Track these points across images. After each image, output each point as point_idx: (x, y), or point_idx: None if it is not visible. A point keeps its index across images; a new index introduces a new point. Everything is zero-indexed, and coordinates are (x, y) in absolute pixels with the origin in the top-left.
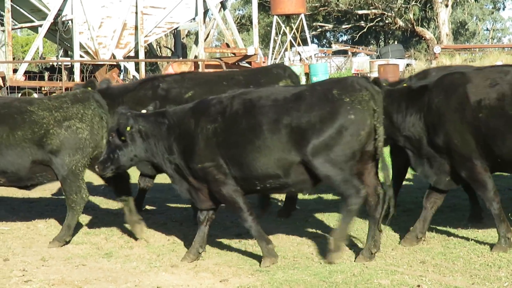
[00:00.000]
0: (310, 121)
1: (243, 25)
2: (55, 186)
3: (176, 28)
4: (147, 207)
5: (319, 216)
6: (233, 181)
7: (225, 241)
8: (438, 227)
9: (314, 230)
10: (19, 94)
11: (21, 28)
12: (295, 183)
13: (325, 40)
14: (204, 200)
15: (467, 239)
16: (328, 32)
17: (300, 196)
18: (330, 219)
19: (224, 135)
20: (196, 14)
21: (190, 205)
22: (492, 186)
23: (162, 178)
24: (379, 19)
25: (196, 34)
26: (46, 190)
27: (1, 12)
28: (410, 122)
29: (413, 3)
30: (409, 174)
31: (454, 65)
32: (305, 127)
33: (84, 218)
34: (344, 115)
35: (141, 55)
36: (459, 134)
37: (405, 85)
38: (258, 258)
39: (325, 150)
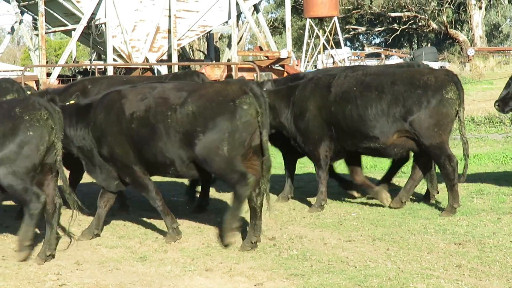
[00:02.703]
0: None
1: (276, 28)
2: (88, 189)
3: (209, 32)
4: (180, 211)
5: (353, 220)
6: None
7: (260, 245)
8: (474, 231)
9: (348, 234)
10: None
11: (55, 32)
12: None
13: (358, 43)
14: None
15: (503, 242)
16: (361, 35)
17: (334, 201)
18: (365, 223)
19: None
20: (229, 17)
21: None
22: (153, 186)
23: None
24: (412, 21)
25: (229, 37)
26: (79, 194)
27: (35, 16)
28: (81, 135)
29: (447, 5)
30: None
31: (106, 76)
32: None
33: (118, 222)
34: (24, 131)
35: (174, 58)
36: (119, 145)
37: (72, 101)
38: (293, 262)
39: (7, 163)
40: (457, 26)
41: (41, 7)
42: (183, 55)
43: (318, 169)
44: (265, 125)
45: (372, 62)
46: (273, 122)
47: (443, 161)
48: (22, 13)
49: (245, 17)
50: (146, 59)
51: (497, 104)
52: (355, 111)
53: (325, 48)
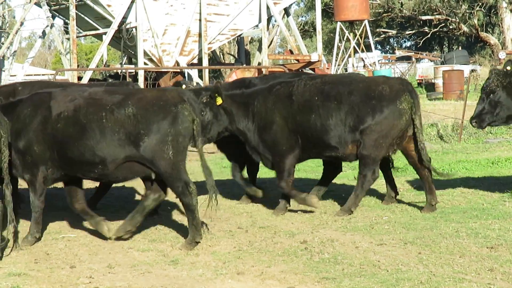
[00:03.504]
0: None
1: (307, 31)
2: (121, 192)
3: (240, 35)
4: (211, 214)
5: (385, 223)
6: None
7: (291, 248)
8: (506, 234)
9: (379, 238)
10: None
11: (86, 36)
12: None
13: (388, 46)
14: None
15: None
16: (392, 38)
17: (365, 204)
18: (397, 226)
19: None
20: (260, 21)
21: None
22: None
23: (228, 186)
24: (443, 24)
25: (260, 40)
26: (111, 197)
27: (66, 20)
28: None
29: (478, 8)
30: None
31: (39, 80)
32: None
33: (150, 225)
34: None
35: (205, 62)
36: (38, 143)
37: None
38: (325, 266)
39: None
40: (488, 29)
41: (72, 11)
42: (213, 58)
43: (280, 179)
44: (200, 132)
45: (403, 65)
46: (229, 127)
47: (365, 172)
48: (53, 17)
49: (275, 21)
50: (177, 63)
51: (474, 121)
52: (319, 121)
53: (355, 51)
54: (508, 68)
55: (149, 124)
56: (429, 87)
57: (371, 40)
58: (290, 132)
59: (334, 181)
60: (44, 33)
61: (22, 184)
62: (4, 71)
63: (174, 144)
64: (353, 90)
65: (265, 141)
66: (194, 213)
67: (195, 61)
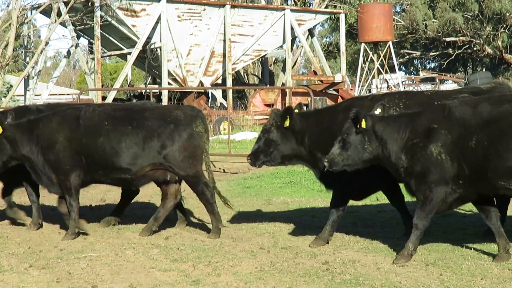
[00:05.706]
0: None
1: (331, 52)
2: (144, 212)
3: (264, 56)
4: (233, 234)
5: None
6: None
7: (313, 269)
8: None
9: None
10: None
11: (110, 55)
12: None
13: (412, 67)
14: None
15: None
16: (416, 59)
17: (388, 225)
18: (418, 248)
19: None
20: (284, 41)
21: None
22: None
23: (250, 206)
24: (467, 46)
25: (284, 61)
26: (134, 217)
27: (91, 40)
28: None
29: (502, 30)
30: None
31: None
32: None
33: (172, 245)
34: None
35: (229, 82)
36: None
37: None
38: (346, 287)
39: None
40: None
41: (97, 31)
42: (237, 79)
43: (69, 198)
44: None
45: (427, 86)
46: (14, 154)
47: (201, 188)
48: (78, 37)
49: (299, 42)
50: (201, 83)
51: (249, 158)
52: (108, 144)
53: (379, 72)
54: (297, 110)
55: None
56: None
57: (395, 61)
58: (74, 153)
59: (355, 203)
60: (69, 52)
61: None
62: (29, 90)
63: None
64: (148, 116)
65: (49, 161)
66: None
67: (219, 81)
